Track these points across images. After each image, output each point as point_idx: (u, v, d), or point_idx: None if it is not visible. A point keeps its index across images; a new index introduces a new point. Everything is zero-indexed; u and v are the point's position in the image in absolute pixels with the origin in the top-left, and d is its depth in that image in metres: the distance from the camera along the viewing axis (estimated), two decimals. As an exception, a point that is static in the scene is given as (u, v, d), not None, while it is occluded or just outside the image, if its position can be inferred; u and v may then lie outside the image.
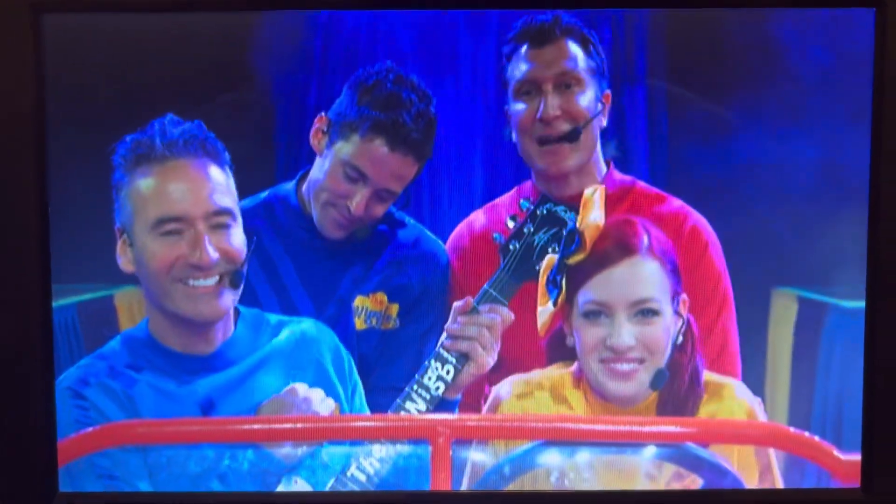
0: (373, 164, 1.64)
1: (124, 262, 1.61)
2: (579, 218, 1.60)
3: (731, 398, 1.63)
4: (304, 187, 1.69)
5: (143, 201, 1.59)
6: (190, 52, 1.59)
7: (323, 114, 1.65)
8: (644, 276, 1.60)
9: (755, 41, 1.58)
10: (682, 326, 1.61)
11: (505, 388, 1.65)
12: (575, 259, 1.60)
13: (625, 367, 1.60)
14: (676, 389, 1.62)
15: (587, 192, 1.61)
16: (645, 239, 1.60)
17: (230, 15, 1.58)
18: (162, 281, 1.59)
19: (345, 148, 1.64)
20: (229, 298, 1.62)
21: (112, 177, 1.60)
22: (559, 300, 1.61)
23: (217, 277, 1.60)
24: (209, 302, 1.60)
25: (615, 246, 1.60)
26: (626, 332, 1.58)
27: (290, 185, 1.69)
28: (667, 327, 1.60)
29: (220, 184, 1.60)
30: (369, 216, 1.67)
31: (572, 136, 1.64)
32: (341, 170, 1.64)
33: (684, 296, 1.62)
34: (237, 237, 1.61)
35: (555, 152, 1.64)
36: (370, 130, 1.63)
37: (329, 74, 1.64)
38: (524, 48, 1.64)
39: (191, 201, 1.58)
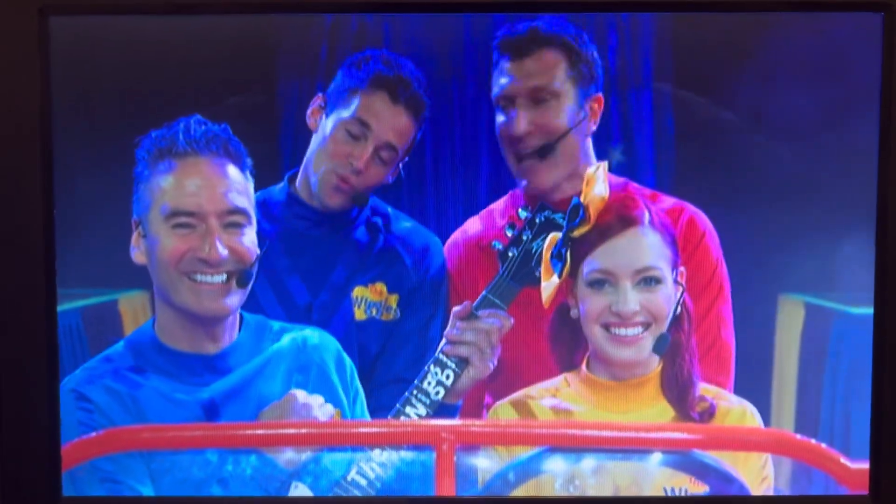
0: (376, 116, 1.66)
1: (137, 253, 1.62)
2: (583, 193, 1.61)
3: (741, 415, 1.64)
4: (299, 176, 1.70)
5: (160, 193, 1.60)
6: (197, 55, 1.59)
7: (320, 94, 1.66)
8: (646, 245, 1.61)
9: (761, 45, 1.58)
10: (680, 296, 1.62)
11: (500, 409, 1.66)
12: (579, 231, 1.61)
13: (630, 331, 1.60)
14: (678, 369, 1.62)
15: (590, 169, 1.62)
16: (646, 213, 1.62)
17: (236, 18, 1.58)
18: (170, 273, 1.60)
19: (347, 107, 1.66)
20: (235, 298, 1.62)
21: (134, 170, 1.61)
22: (564, 272, 1.61)
23: (224, 276, 1.60)
24: (215, 299, 1.61)
25: (618, 218, 1.61)
26: (631, 299, 1.60)
27: (281, 184, 1.71)
28: (668, 295, 1.61)
29: (238, 184, 1.61)
30: (369, 179, 1.67)
31: (543, 152, 1.64)
32: (343, 130, 1.66)
33: (682, 268, 1.63)
34: (249, 238, 1.62)
35: (530, 170, 1.65)
36: (372, 84, 1.65)
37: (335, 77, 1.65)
38: (502, 61, 1.64)
39: (205, 197, 1.59)
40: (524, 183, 1.66)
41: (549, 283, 1.62)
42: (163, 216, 1.60)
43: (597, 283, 1.61)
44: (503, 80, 1.64)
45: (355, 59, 1.65)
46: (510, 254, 1.63)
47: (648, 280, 1.61)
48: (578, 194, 1.62)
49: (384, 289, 1.70)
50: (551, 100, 1.64)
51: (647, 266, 1.61)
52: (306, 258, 1.69)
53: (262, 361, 1.64)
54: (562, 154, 1.65)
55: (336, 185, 1.68)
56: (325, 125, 1.67)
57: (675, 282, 1.62)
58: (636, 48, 1.63)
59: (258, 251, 1.62)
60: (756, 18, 1.57)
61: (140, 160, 1.61)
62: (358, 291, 1.70)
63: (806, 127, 1.60)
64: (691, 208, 1.65)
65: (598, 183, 1.61)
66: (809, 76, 1.58)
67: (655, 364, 1.63)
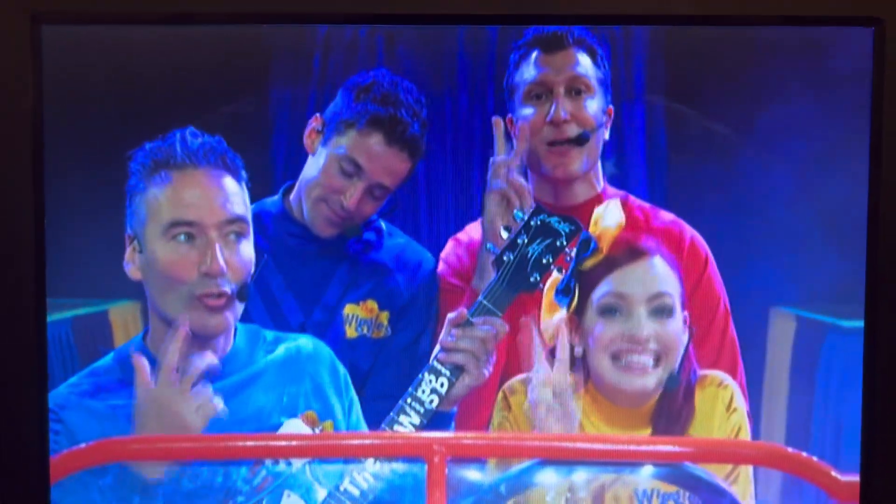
0: (369, 158, 1.65)
1: (132, 269, 1.61)
2: (591, 226, 1.61)
3: (712, 384, 1.64)
4: (293, 194, 1.70)
5: (157, 205, 1.58)
6: (190, 64, 1.59)
7: (318, 114, 1.67)
8: (659, 273, 1.61)
9: (753, 58, 1.59)
10: (689, 340, 1.62)
11: (516, 384, 1.66)
12: (590, 262, 1.61)
13: (641, 359, 1.60)
14: (671, 402, 1.62)
15: (599, 208, 1.62)
16: (655, 246, 1.62)
17: (230, 28, 1.58)
18: (170, 290, 1.58)
19: (341, 143, 1.65)
20: (235, 312, 1.60)
21: (127, 183, 1.60)
22: (573, 305, 1.61)
23: (227, 290, 1.58)
24: (217, 316, 1.58)
25: (628, 250, 1.61)
26: (646, 324, 1.59)
27: (275, 198, 1.71)
28: (679, 330, 1.61)
29: (235, 195, 1.60)
30: (360, 213, 1.68)
31: (581, 141, 1.65)
32: (336, 164, 1.66)
33: (686, 312, 1.63)
34: (247, 250, 1.60)
35: (562, 153, 1.65)
36: (368, 124, 1.64)
37: (328, 87, 1.65)
38: (535, 54, 1.65)
39: (205, 209, 1.57)
40: (542, 172, 1.66)
41: (553, 320, 1.62)
42: (161, 229, 1.57)
43: (608, 311, 1.61)
44: (534, 71, 1.65)
45: (355, 84, 1.65)
46: (505, 258, 1.61)
47: (661, 310, 1.60)
48: (575, 212, 1.62)
49: (375, 306, 1.70)
50: (585, 92, 1.65)
51: (662, 292, 1.60)
52: (300, 276, 1.69)
53: (255, 371, 1.63)
54: (592, 148, 1.66)
55: (327, 216, 1.67)
56: (320, 154, 1.66)
57: (685, 324, 1.62)
58: (629, 61, 1.64)
59: (255, 264, 1.60)
60: (748, 32, 1.58)
61: (134, 173, 1.60)
62: (349, 309, 1.69)
63: (797, 140, 1.60)
64: (689, 229, 1.66)
65: (612, 213, 1.61)
66: (801, 89, 1.59)
67: (655, 395, 1.63)
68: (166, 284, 1.58)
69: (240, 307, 1.61)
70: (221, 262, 1.57)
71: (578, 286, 1.61)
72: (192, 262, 1.57)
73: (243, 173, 1.61)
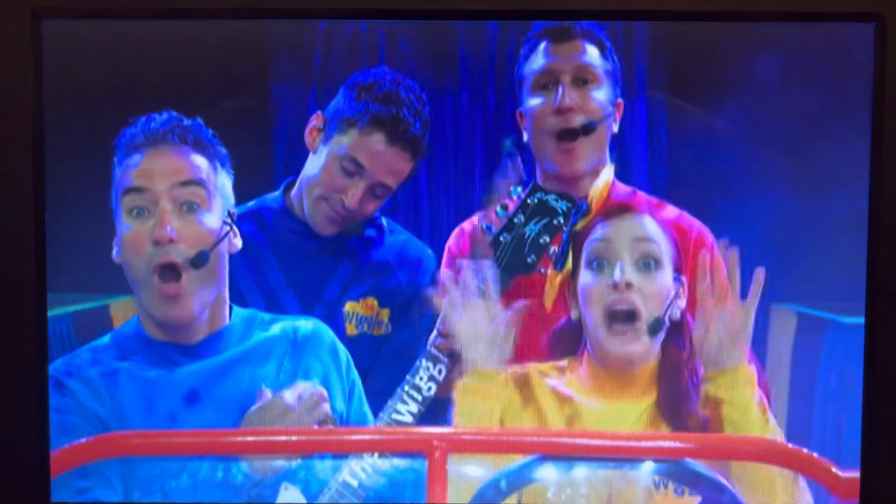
0: (371, 157, 1.65)
1: (116, 253, 1.62)
2: (589, 195, 1.62)
3: (745, 383, 1.63)
4: (294, 191, 1.70)
5: (119, 184, 1.60)
6: (190, 59, 1.59)
7: (319, 112, 1.66)
8: (647, 225, 1.62)
9: (754, 53, 1.59)
10: (674, 296, 1.61)
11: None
12: (581, 223, 1.61)
13: (625, 308, 1.59)
14: (675, 385, 1.62)
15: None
16: (646, 207, 1.63)
17: (230, 23, 1.58)
18: (132, 269, 1.59)
19: (342, 141, 1.65)
20: (198, 299, 1.61)
21: (112, 176, 1.62)
22: (566, 266, 1.61)
23: (178, 259, 1.59)
24: (176, 305, 1.60)
25: (619, 206, 1.62)
26: (630, 271, 1.59)
27: (276, 193, 1.71)
28: (667, 285, 1.61)
29: (197, 167, 1.60)
30: (362, 212, 1.68)
31: (587, 130, 1.63)
32: (337, 163, 1.65)
33: (684, 277, 1.62)
34: (208, 221, 1.61)
35: (570, 151, 1.64)
36: (370, 124, 1.64)
37: (329, 83, 1.65)
38: (543, 44, 1.64)
39: (156, 175, 1.59)
40: (550, 169, 1.65)
41: (552, 286, 1.62)
42: (121, 202, 1.59)
43: (596, 262, 1.61)
44: (542, 60, 1.64)
45: (356, 82, 1.65)
46: (502, 240, 1.60)
47: (647, 258, 1.60)
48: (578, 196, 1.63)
49: (375, 303, 1.70)
50: (592, 82, 1.64)
51: (647, 237, 1.60)
52: (300, 273, 1.69)
53: (249, 348, 1.64)
54: (598, 139, 1.65)
55: (328, 214, 1.67)
56: (321, 152, 1.66)
57: (676, 280, 1.62)
58: (630, 57, 1.63)
59: (219, 233, 1.61)
60: (749, 28, 1.58)
61: (117, 164, 1.61)
62: (349, 307, 1.69)
63: (798, 136, 1.60)
64: (697, 223, 1.65)
65: (602, 175, 1.62)
66: (801, 85, 1.59)
67: (652, 358, 1.63)
68: (129, 263, 1.60)
69: (201, 296, 1.61)
70: (168, 228, 1.58)
71: (572, 247, 1.61)
72: (146, 234, 1.59)
73: (219, 150, 1.62)
